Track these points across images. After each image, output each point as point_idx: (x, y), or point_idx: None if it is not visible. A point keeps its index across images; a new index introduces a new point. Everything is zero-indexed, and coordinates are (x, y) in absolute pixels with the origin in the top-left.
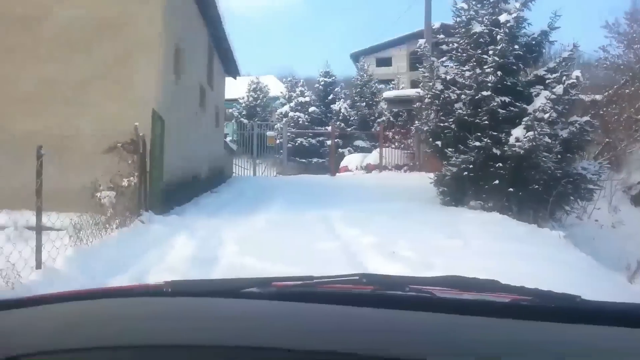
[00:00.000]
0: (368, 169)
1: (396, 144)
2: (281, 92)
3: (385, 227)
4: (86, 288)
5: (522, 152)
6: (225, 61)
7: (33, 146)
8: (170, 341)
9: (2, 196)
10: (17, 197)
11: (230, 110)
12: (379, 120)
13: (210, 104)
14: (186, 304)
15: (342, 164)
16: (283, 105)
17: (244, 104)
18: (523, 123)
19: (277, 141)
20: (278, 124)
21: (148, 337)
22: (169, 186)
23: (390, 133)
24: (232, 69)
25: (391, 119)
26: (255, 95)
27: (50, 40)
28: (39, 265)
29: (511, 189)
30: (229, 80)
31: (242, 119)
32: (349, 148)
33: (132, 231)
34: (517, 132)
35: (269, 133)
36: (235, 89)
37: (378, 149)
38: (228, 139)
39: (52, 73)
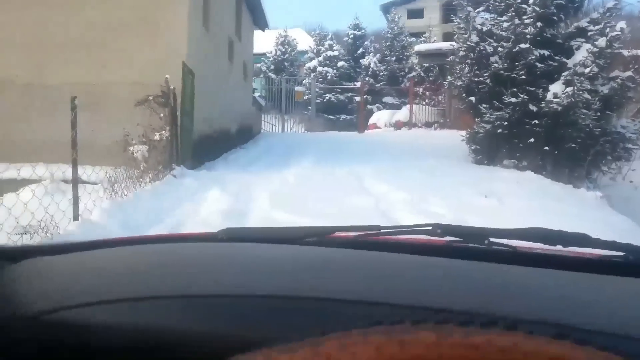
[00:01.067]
0: (397, 126)
1: (426, 101)
2: (309, 46)
3: (415, 183)
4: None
5: (559, 108)
6: (254, 12)
7: (66, 97)
8: (228, 291)
9: (38, 148)
10: (53, 150)
11: (258, 64)
12: (409, 75)
13: (239, 58)
14: (242, 248)
15: (371, 121)
16: (311, 59)
17: (272, 59)
18: (562, 78)
19: (305, 97)
20: (306, 79)
21: (210, 285)
22: (199, 141)
23: (421, 89)
24: (260, 21)
25: (422, 74)
26: (283, 50)
27: None
28: (76, 217)
29: (546, 148)
30: (256, 33)
31: (270, 74)
32: (377, 104)
33: (165, 185)
34: (556, 87)
35: (297, 88)
36: (263, 42)
37: (407, 106)
38: (256, 94)
39: (84, 20)
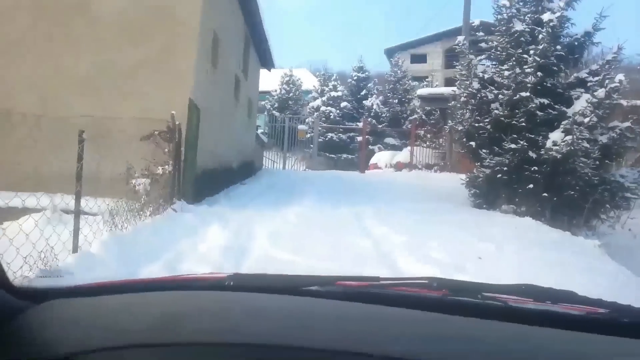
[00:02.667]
0: (398, 167)
1: (427, 143)
2: (314, 86)
3: (416, 226)
4: (138, 278)
5: (559, 156)
6: (261, 52)
7: (74, 130)
8: (238, 339)
9: (44, 179)
10: (57, 180)
11: (263, 102)
12: (411, 117)
13: (244, 95)
14: (249, 299)
15: (372, 161)
16: (315, 99)
17: (276, 97)
18: (562, 126)
19: (308, 135)
20: (309, 118)
21: (217, 334)
22: (202, 176)
23: (422, 131)
24: (266, 61)
25: (423, 117)
26: (288, 88)
27: (95, 27)
28: (75, 249)
29: (545, 194)
30: (262, 72)
31: (274, 112)
32: (379, 145)
33: (165, 219)
34: (555, 135)
35: (300, 127)
36: (268, 81)
37: (409, 147)
38: (259, 130)
39: (94, 60)
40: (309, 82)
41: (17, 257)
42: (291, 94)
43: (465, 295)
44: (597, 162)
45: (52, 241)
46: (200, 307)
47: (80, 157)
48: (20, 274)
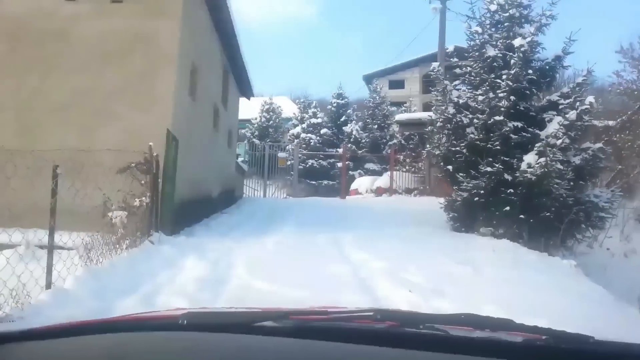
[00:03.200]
0: (378, 192)
1: (407, 168)
2: (294, 113)
3: (395, 251)
4: (98, 317)
5: (533, 178)
6: (240, 81)
7: (50, 163)
8: None
9: (16, 214)
10: (30, 215)
11: (243, 130)
12: (390, 143)
13: (224, 124)
14: (201, 340)
15: (353, 186)
16: (295, 126)
17: (256, 125)
18: (535, 149)
19: (288, 162)
20: (290, 146)
21: None
22: (180, 207)
23: (402, 156)
24: (246, 90)
25: (403, 142)
26: (268, 116)
27: (72, 56)
28: (48, 285)
29: (522, 216)
30: (242, 100)
31: (254, 140)
32: (359, 170)
33: (142, 252)
34: (529, 157)
35: (280, 154)
36: (248, 109)
37: (388, 172)
38: (240, 159)
39: (71, 89)
40: (289, 109)
41: None
42: (271, 122)
43: (409, 326)
44: (572, 183)
45: (25, 278)
46: (151, 350)
47: (54, 192)
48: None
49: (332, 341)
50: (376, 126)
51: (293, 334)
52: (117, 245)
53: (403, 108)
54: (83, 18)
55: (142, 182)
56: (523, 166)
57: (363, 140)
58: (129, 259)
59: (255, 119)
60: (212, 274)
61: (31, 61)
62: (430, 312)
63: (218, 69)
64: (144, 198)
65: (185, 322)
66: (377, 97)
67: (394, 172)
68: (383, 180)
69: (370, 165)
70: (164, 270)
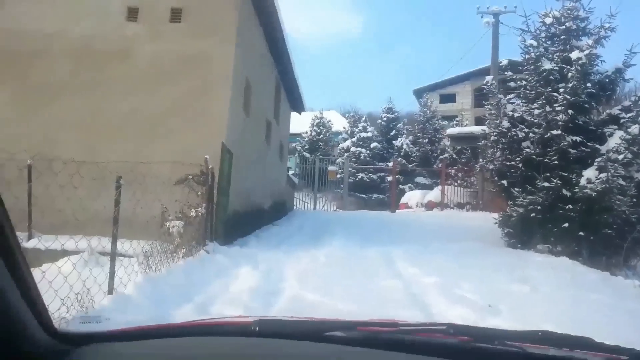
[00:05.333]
0: (428, 206)
1: (458, 182)
2: (344, 127)
3: (447, 267)
4: (172, 322)
5: (594, 194)
6: (291, 96)
7: (110, 175)
8: None
9: (81, 222)
10: (94, 223)
11: (294, 144)
12: (441, 157)
13: (275, 138)
14: (273, 346)
15: (402, 200)
16: (345, 140)
17: (307, 138)
18: (595, 164)
19: (338, 176)
20: (340, 159)
21: None
22: (234, 218)
23: (453, 170)
24: (297, 104)
25: (454, 156)
26: (318, 130)
27: (132, 74)
28: (111, 290)
29: (582, 233)
30: (293, 115)
31: (304, 153)
32: (409, 184)
33: (198, 261)
34: (589, 173)
35: (330, 167)
36: (299, 123)
37: (439, 186)
38: (290, 172)
39: (131, 106)
40: (339, 123)
41: (55, 298)
42: (321, 136)
43: (483, 342)
44: (635, 200)
45: (89, 283)
46: (227, 354)
47: (117, 202)
48: (58, 315)
49: (403, 352)
50: (427, 140)
51: (362, 344)
52: (174, 254)
53: (454, 122)
54: (142, 38)
55: (199, 193)
56: (582, 182)
57: (413, 154)
58: (185, 267)
59: (306, 132)
60: (264, 285)
61: (93, 80)
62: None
63: (270, 84)
64: (199, 209)
65: (257, 328)
66: (428, 111)
67: (445, 186)
68: (434, 194)
69: (420, 179)
70: (218, 279)
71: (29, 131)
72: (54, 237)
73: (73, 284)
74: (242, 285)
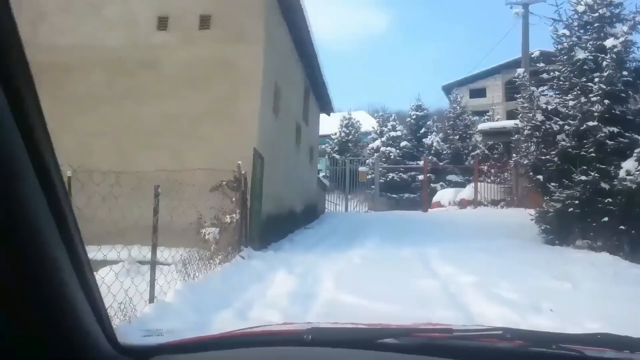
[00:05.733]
0: (462, 204)
1: (492, 178)
2: (372, 127)
3: (484, 265)
4: (198, 330)
5: (634, 186)
6: (320, 98)
7: (147, 184)
8: None
9: (121, 231)
10: (133, 232)
11: (323, 146)
12: (473, 153)
13: (305, 141)
14: (326, 356)
15: (435, 199)
16: (374, 140)
17: (336, 140)
18: (634, 155)
19: (369, 176)
20: (369, 159)
21: None
22: (267, 222)
23: (486, 167)
24: (326, 106)
25: (486, 152)
26: (347, 131)
27: (163, 84)
28: (151, 299)
29: (622, 227)
30: (322, 116)
31: (334, 155)
32: (441, 183)
33: (234, 266)
34: (628, 164)
35: (361, 168)
36: (327, 125)
37: (472, 184)
38: (321, 174)
39: (163, 114)
40: (367, 123)
41: None
42: (350, 137)
43: (540, 346)
44: None
45: (131, 292)
46: None
47: (156, 210)
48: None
49: (457, 359)
50: (457, 137)
51: (416, 351)
52: (211, 260)
53: (485, 117)
54: (173, 46)
55: (232, 199)
56: (621, 173)
57: (444, 152)
58: (222, 274)
59: (335, 134)
60: (301, 288)
61: (126, 89)
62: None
63: (299, 87)
64: (234, 215)
65: (310, 337)
66: (458, 107)
67: (478, 183)
68: (467, 192)
69: (452, 177)
70: (255, 284)
71: (65, 142)
72: (97, 247)
73: (116, 294)
74: (279, 289)
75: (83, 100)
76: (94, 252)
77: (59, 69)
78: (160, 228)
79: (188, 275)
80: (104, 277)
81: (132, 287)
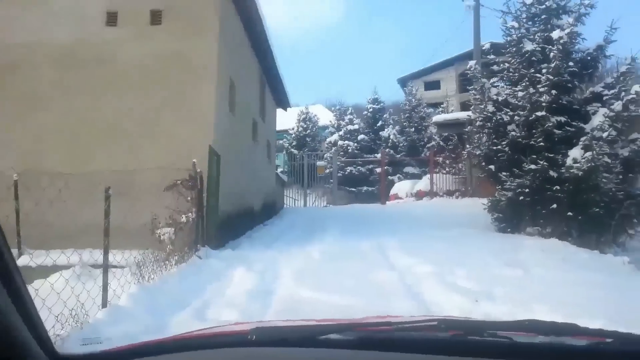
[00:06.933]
0: (418, 195)
1: (447, 169)
2: (330, 121)
3: (440, 255)
4: (154, 333)
5: (580, 173)
6: (276, 93)
7: (97, 185)
8: None
9: (71, 235)
10: (84, 236)
11: (281, 141)
12: (428, 145)
13: (262, 137)
14: (271, 355)
15: (392, 191)
16: (332, 134)
17: (293, 135)
18: (580, 143)
19: (327, 170)
20: (327, 153)
21: None
22: (224, 221)
23: (441, 158)
24: (282, 101)
25: (441, 143)
26: (305, 125)
27: (114, 81)
28: (104, 303)
29: (570, 213)
30: (278, 111)
31: (292, 150)
32: (398, 175)
33: (191, 266)
34: (575, 152)
35: (319, 163)
36: (285, 119)
37: (428, 175)
38: (279, 170)
39: (116, 112)
40: (325, 117)
41: (50, 315)
42: (308, 131)
43: (473, 335)
44: (621, 177)
45: (82, 297)
46: None
47: (107, 212)
48: (53, 332)
49: (397, 352)
50: (413, 129)
51: (358, 346)
52: (167, 261)
53: (440, 109)
54: (124, 42)
55: (188, 198)
56: (569, 162)
57: (401, 144)
58: (178, 275)
59: (292, 129)
60: (260, 286)
61: (77, 87)
62: (485, 318)
63: (255, 82)
64: (190, 214)
65: (254, 337)
66: (413, 100)
67: (434, 175)
68: (423, 184)
69: (409, 169)
70: (213, 284)
71: (14, 143)
72: (45, 252)
73: (66, 300)
74: (238, 287)
75: (31, 99)
76: (42, 258)
77: (5, 67)
78: (113, 230)
79: (143, 277)
80: (53, 283)
81: (83, 292)
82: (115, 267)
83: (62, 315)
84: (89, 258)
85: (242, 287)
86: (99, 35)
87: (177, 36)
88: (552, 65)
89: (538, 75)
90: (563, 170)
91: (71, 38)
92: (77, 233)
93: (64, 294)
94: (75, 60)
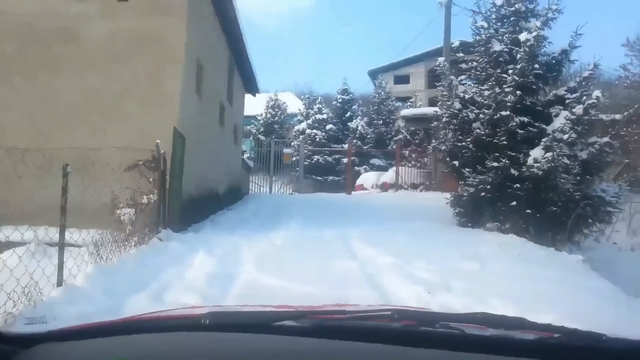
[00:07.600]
0: (384, 187)
1: (412, 163)
2: (299, 109)
3: (402, 247)
4: (110, 314)
5: (540, 173)
6: (245, 78)
7: (57, 163)
8: None
9: (27, 212)
10: (41, 213)
11: (248, 127)
12: (395, 138)
13: (229, 121)
14: (224, 340)
15: (358, 182)
16: (301, 122)
17: (261, 121)
18: (542, 144)
19: (294, 158)
20: (295, 142)
21: None
22: (187, 203)
23: (407, 151)
24: (251, 86)
25: (408, 137)
26: (274, 112)
27: (79, 57)
28: (60, 282)
29: (529, 211)
30: (247, 97)
31: (259, 136)
32: (365, 166)
33: (151, 248)
34: (536, 152)
35: (286, 150)
36: (253, 105)
37: (394, 168)
38: (245, 155)
39: (79, 89)
40: (294, 105)
41: (1, 293)
42: (276, 118)
43: (425, 325)
44: (579, 178)
45: (37, 275)
46: (178, 351)
47: (64, 190)
48: (4, 311)
49: (350, 340)
50: (381, 122)
51: (312, 333)
52: (126, 243)
53: (408, 103)
54: (90, 17)
55: (150, 179)
56: (530, 161)
57: (368, 136)
58: (137, 256)
59: (261, 115)
60: (221, 270)
61: (40, 61)
62: (441, 309)
63: (223, 65)
64: (151, 195)
65: (208, 322)
66: (382, 93)
67: (400, 168)
68: (389, 176)
69: (375, 161)
70: (173, 267)
71: None
72: None
73: (19, 278)
74: (198, 271)
75: None
76: None
77: None
78: (72, 209)
79: (100, 257)
80: (5, 260)
81: (38, 270)
82: (72, 245)
83: (14, 294)
84: (44, 236)
85: (203, 271)
86: (65, 9)
87: (144, 14)
88: (519, 66)
89: (504, 75)
90: (524, 169)
91: (35, 9)
92: (35, 210)
93: (17, 272)
94: (39, 33)
